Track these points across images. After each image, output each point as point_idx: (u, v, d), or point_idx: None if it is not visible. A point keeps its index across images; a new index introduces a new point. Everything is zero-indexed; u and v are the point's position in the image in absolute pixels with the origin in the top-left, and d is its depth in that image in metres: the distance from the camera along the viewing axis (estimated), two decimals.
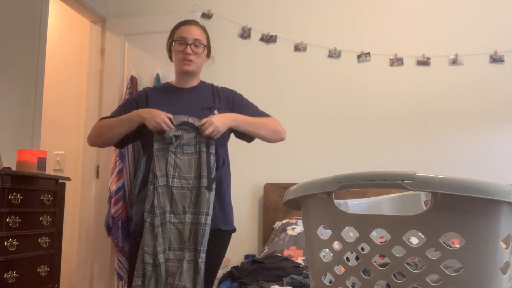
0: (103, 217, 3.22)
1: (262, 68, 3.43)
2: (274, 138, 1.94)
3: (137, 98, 1.94)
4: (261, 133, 1.90)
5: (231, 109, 1.93)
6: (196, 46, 1.88)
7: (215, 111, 1.88)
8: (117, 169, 3.14)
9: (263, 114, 2.00)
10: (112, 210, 3.09)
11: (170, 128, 1.71)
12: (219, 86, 2.02)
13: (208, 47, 1.95)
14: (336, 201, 0.76)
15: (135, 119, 1.78)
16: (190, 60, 1.87)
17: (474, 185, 0.61)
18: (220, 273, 2.84)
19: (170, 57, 1.98)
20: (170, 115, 1.74)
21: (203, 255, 1.70)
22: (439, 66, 3.26)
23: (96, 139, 1.89)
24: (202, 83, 2.00)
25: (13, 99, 2.61)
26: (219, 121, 1.76)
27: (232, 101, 1.96)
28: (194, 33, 1.89)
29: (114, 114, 1.92)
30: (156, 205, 1.71)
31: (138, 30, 3.40)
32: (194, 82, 1.96)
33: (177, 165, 1.75)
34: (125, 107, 1.92)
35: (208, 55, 1.99)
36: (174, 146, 1.75)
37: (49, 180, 2.29)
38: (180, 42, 1.88)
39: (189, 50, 1.86)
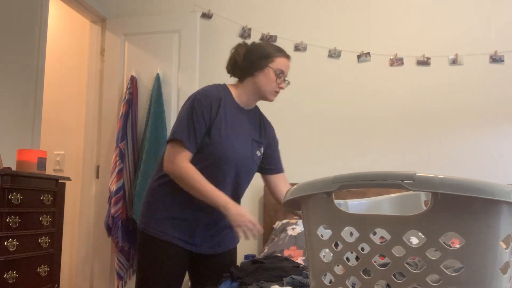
0: (103, 217, 3.22)
1: None
2: None
3: (208, 109, 1.71)
4: None
5: (264, 148, 1.91)
6: (285, 81, 1.86)
7: (262, 148, 1.89)
8: (117, 169, 3.14)
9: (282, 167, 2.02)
10: (112, 210, 3.09)
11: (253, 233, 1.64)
12: (264, 116, 1.97)
13: None
14: (336, 201, 0.76)
15: (219, 207, 1.65)
16: (277, 93, 1.84)
17: (474, 185, 0.61)
18: None
19: (244, 70, 1.81)
20: (253, 220, 1.65)
21: None
22: (439, 66, 3.26)
23: (174, 179, 1.71)
24: (254, 107, 1.92)
25: (13, 99, 2.61)
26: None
27: (271, 140, 1.95)
28: (289, 68, 1.88)
29: (191, 130, 1.69)
30: None
31: (138, 30, 3.40)
32: (254, 105, 1.91)
33: None
34: (201, 122, 1.70)
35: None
36: None
37: (49, 180, 2.29)
38: (282, 74, 1.81)
39: (283, 85, 1.83)
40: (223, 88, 1.81)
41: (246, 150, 1.79)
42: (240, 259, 3.05)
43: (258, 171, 1.93)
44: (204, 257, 1.81)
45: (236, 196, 1.84)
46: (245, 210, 1.67)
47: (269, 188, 1.99)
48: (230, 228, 1.75)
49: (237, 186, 1.82)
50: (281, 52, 1.84)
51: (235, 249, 1.94)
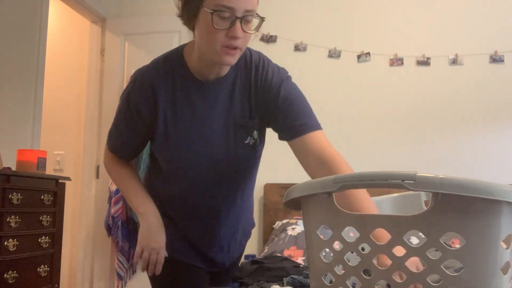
0: (103, 217, 3.22)
1: None
2: None
3: (141, 107, 1.23)
4: None
5: (267, 116, 1.29)
6: (246, 21, 1.10)
7: (255, 132, 1.31)
8: None
9: (316, 124, 1.35)
10: (112, 210, 3.09)
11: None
12: (263, 62, 1.26)
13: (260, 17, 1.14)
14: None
15: (137, 215, 1.29)
16: (235, 48, 1.10)
17: (475, 185, 0.61)
18: None
19: (190, 25, 1.17)
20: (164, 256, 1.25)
21: None
22: (439, 66, 3.26)
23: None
24: (228, 72, 1.24)
25: (13, 99, 2.61)
26: None
27: (276, 105, 1.25)
28: (246, 0, 1.07)
29: (118, 138, 1.33)
30: None
31: (138, 30, 3.40)
32: (223, 71, 1.23)
33: None
34: (132, 126, 1.28)
35: (258, 27, 1.15)
36: None
37: (49, 180, 2.29)
38: (222, 14, 1.06)
39: (238, 31, 1.07)
40: (174, 58, 1.24)
41: (218, 147, 1.25)
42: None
43: (281, 138, 1.33)
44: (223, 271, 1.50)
45: (234, 200, 1.36)
46: (155, 231, 1.24)
47: (299, 160, 1.32)
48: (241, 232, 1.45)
49: (228, 188, 1.33)
50: None
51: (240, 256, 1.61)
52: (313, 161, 1.27)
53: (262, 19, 1.13)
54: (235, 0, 1.05)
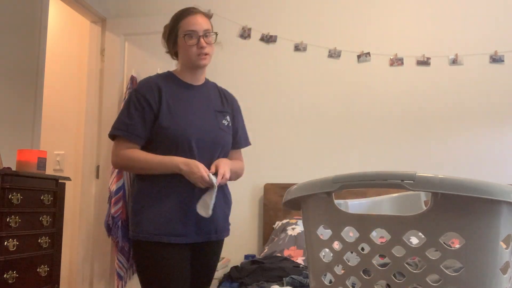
0: (103, 217, 3.21)
1: (262, 68, 3.43)
2: (233, 180, 1.88)
3: (148, 96, 1.71)
4: (232, 177, 1.82)
5: (232, 117, 1.89)
6: (207, 36, 1.76)
7: (228, 117, 1.85)
8: (117, 169, 3.14)
9: (246, 141, 1.97)
10: (112, 210, 3.09)
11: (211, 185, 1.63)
12: (224, 89, 1.95)
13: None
14: (336, 201, 0.76)
15: (172, 168, 1.65)
16: (206, 54, 1.75)
17: (474, 185, 0.61)
18: (220, 273, 2.85)
19: (173, 53, 1.84)
20: (208, 171, 1.64)
21: None
22: (439, 66, 3.26)
23: (124, 170, 1.78)
24: (207, 81, 1.90)
25: (13, 99, 2.61)
26: (229, 172, 1.71)
27: (235, 111, 1.92)
28: (202, 23, 1.76)
29: (130, 122, 1.70)
30: None
31: (138, 30, 3.40)
32: (202, 79, 1.86)
33: None
34: (141, 111, 1.71)
35: (215, 38, 1.84)
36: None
37: (49, 180, 2.29)
38: (190, 36, 1.73)
39: (203, 43, 1.74)
40: (166, 74, 1.82)
41: (207, 122, 1.76)
42: (240, 259, 3.05)
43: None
44: (202, 246, 1.76)
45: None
46: (195, 164, 1.63)
47: None
48: (221, 212, 1.77)
49: (210, 161, 1.73)
50: (184, 14, 1.78)
51: (222, 241, 1.87)
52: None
53: (216, 34, 1.82)
54: (196, 26, 1.75)
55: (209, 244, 1.77)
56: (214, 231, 1.76)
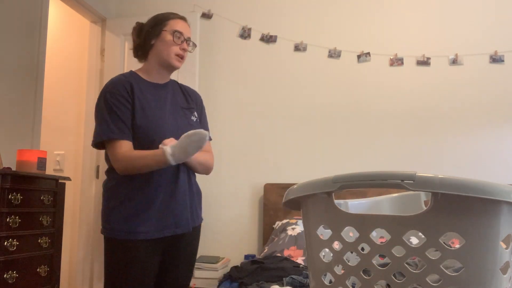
0: None
1: (262, 68, 3.43)
2: (202, 172, 1.89)
3: (124, 94, 1.72)
4: (197, 168, 1.85)
5: (199, 113, 1.92)
6: (188, 44, 1.85)
7: (195, 112, 1.89)
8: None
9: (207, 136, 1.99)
10: None
11: None
12: (186, 86, 1.98)
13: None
14: (336, 201, 0.76)
15: (165, 164, 1.64)
16: (183, 57, 1.83)
17: (474, 185, 0.61)
18: (220, 273, 2.85)
19: (144, 49, 1.83)
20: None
21: None
22: (439, 66, 3.26)
23: (130, 172, 1.69)
24: (170, 79, 1.93)
25: (13, 99, 2.61)
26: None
27: (199, 106, 1.95)
28: (188, 31, 1.86)
29: (117, 122, 1.68)
30: None
31: None
32: (168, 78, 1.90)
33: None
34: (122, 109, 1.70)
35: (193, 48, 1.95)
36: None
37: (49, 180, 2.29)
38: (177, 36, 1.80)
39: (186, 47, 1.83)
40: (130, 73, 1.82)
41: (178, 119, 1.80)
42: (240, 259, 3.05)
43: None
44: (178, 238, 1.78)
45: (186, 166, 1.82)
46: (176, 143, 1.61)
47: None
48: (190, 200, 1.81)
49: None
50: (173, 15, 1.85)
51: (199, 226, 1.90)
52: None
53: (194, 45, 1.91)
54: (183, 29, 1.83)
55: (181, 236, 1.79)
56: (192, 220, 1.81)
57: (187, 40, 1.84)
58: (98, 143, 1.73)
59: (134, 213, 1.69)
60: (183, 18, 1.87)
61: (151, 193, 1.71)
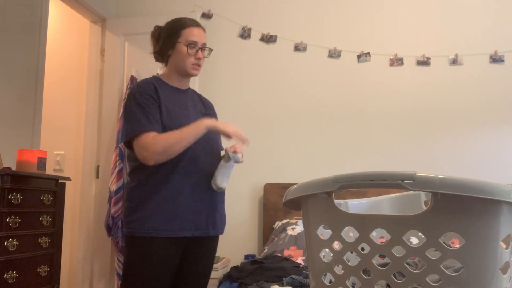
0: (103, 217, 3.22)
1: (262, 68, 3.43)
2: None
3: (152, 94, 1.78)
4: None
5: None
6: (203, 50, 1.88)
7: (213, 119, 1.93)
8: (117, 169, 3.15)
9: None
10: (112, 210, 3.09)
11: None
12: (201, 95, 2.07)
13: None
14: (336, 201, 0.76)
15: (204, 131, 1.72)
16: (199, 65, 1.88)
17: (474, 185, 0.61)
18: (220, 273, 2.85)
19: (164, 56, 1.89)
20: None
21: None
22: (439, 66, 3.26)
23: (163, 156, 1.69)
24: (189, 87, 2.00)
25: (13, 99, 2.61)
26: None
27: (214, 115, 2.05)
28: (203, 37, 1.88)
29: (149, 117, 1.73)
30: None
31: (138, 30, 3.40)
32: (188, 85, 1.97)
33: None
34: (152, 106, 1.76)
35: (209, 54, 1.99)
36: None
37: (49, 180, 2.29)
38: (192, 46, 1.84)
39: (201, 55, 1.86)
40: (154, 78, 1.89)
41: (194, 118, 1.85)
42: (240, 259, 3.05)
43: None
44: (197, 240, 1.81)
45: (213, 167, 1.87)
46: (220, 120, 1.78)
47: None
48: (218, 206, 1.85)
49: (205, 159, 1.84)
50: (188, 23, 1.86)
51: (218, 237, 1.92)
52: None
53: (210, 50, 1.93)
54: (198, 37, 1.86)
55: (207, 239, 1.84)
56: (212, 226, 1.83)
57: (202, 47, 1.87)
58: (128, 142, 1.75)
59: (154, 212, 1.72)
60: (197, 25, 1.88)
61: (172, 193, 1.74)
